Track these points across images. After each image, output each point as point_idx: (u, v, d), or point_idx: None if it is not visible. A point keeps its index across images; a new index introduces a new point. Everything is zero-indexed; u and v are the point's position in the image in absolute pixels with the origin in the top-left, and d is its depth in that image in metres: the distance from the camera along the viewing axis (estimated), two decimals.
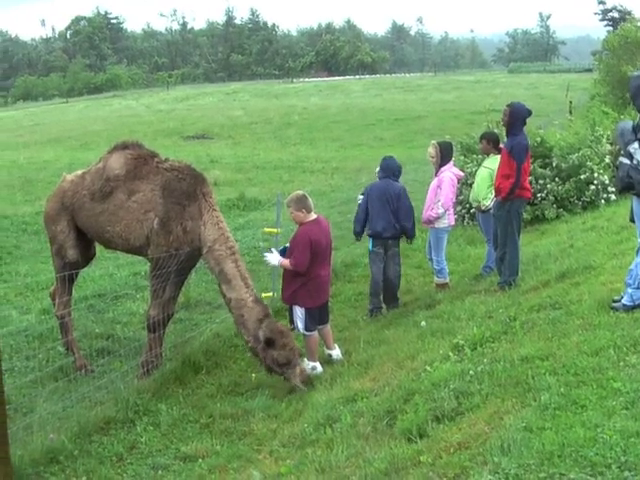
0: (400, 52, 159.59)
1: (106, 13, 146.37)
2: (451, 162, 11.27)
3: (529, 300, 8.48)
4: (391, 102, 58.97)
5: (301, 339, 8.90)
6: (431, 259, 11.33)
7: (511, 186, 9.43)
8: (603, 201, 15.09)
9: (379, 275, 10.53)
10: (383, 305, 10.69)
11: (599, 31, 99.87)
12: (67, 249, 9.27)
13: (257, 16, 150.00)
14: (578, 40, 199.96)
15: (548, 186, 15.09)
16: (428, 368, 6.80)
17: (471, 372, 6.27)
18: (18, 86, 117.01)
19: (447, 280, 11.28)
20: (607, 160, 15.61)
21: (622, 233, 10.90)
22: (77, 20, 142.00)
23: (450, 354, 7.01)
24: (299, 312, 8.62)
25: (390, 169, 10.58)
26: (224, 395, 8.21)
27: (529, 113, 9.73)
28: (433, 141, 11.46)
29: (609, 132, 16.64)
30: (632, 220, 7.33)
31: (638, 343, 5.99)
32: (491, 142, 11.19)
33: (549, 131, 17.74)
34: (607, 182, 15.13)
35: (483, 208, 11.23)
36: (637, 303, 6.89)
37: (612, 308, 7.05)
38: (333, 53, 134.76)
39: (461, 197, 14.91)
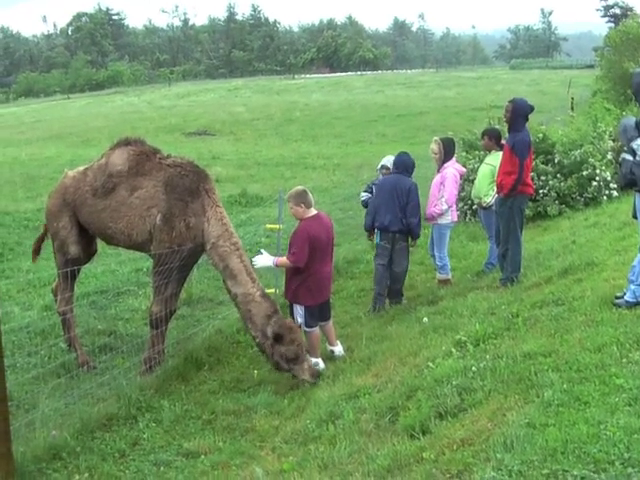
0: (402, 48, 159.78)
1: (107, 9, 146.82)
2: (454, 158, 11.27)
3: (531, 296, 8.48)
4: (393, 98, 59.03)
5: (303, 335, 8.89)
6: (433, 255, 11.32)
7: (514, 182, 9.42)
8: (605, 197, 15.09)
9: (382, 269, 10.48)
10: (386, 299, 10.65)
11: (601, 27, 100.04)
12: (69, 245, 9.25)
13: (258, 12, 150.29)
14: (580, 36, 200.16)
15: (550, 182, 15.08)
16: (430, 364, 6.80)
17: (474, 368, 6.27)
18: (20, 82, 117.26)
19: (449, 276, 11.27)
20: (609, 156, 15.62)
21: (624, 229, 10.90)
22: (79, 16, 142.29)
23: (452, 350, 7.01)
24: (299, 309, 8.61)
25: (404, 165, 10.52)
26: (226, 391, 8.20)
27: (531, 109, 9.71)
28: (436, 137, 11.44)
29: (611, 128, 16.65)
30: (635, 216, 7.32)
31: None
32: (493, 138, 11.18)
33: (551, 127, 17.75)
34: (609, 179, 15.13)
35: (484, 205, 11.23)
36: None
37: (615, 304, 7.04)
38: (335, 49, 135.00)
39: (463, 193, 14.90)
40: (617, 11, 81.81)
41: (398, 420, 6.02)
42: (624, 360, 5.65)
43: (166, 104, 65.47)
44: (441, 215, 10.90)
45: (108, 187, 8.90)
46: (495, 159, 10.70)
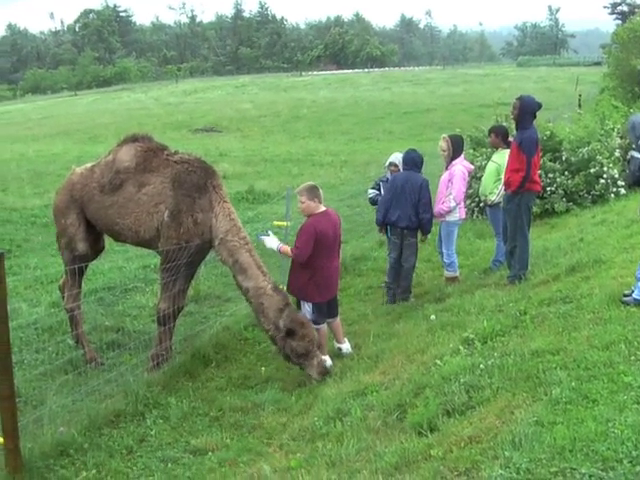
0: (409, 45, 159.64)
1: (115, 6, 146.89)
2: (462, 155, 11.25)
3: (539, 294, 8.45)
4: (400, 95, 58.97)
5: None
6: (441, 252, 11.31)
7: (521, 180, 9.40)
8: (613, 195, 15.06)
9: (393, 262, 10.63)
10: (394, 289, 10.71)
11: (608, 24, 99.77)
12: (76, 242, 9.25)
13: (266, 9, 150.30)
14: (587, 33, 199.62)
15: (558, 180, 15.06)
16: (438, 362, 6.79)
17: (481, 366, 6.26)
18: (27, 79, 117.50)
19: (457, 274, 11.25)
20: (617, 154, 15.59)
21: (632, 227, 10.88)
22: (86, 13, 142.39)
23: (460, 348, 7.00)
24: (307, 306, 8.60)
25: (413, 161, 10.54)
26: (234, 388, 8.20)
27: (539, 106, 9.68)
28: (444, 135, 11.41)
29: (619, 126, 16.62)
30: None
31: None
32: (500, 136, 11.17)
33: (559, 125, 17.72)
34: (617, 176, 15.11)
35: (490, 202, 11.22)
36: None
37: (623, 302, 7.03)
38: (342, 46, 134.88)
39: (470, 191, 14.88)
40: (625, 8, 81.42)
41: (406, 417, 6.01)
42: (632, 358, 5.64)
43: (173, 101, 65.53)
44: (449, 212, 10.88)
45: (115, 183, 8.90)
46: (501, 157, 10.69)
